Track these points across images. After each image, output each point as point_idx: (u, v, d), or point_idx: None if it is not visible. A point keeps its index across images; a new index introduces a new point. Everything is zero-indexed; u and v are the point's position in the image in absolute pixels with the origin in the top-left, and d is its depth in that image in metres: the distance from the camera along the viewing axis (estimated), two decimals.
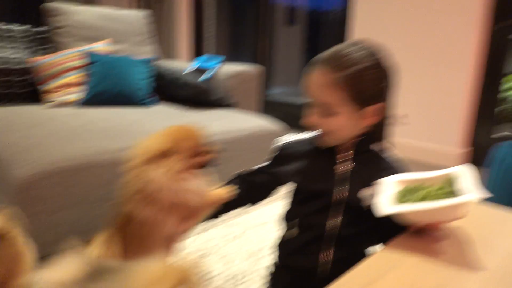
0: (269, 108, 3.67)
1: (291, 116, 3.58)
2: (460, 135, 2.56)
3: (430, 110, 2.63)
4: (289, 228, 0.87)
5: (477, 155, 2.60)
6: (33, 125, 1.42)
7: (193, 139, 0.86)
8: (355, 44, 0.77)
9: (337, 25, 3.26)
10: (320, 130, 0.79)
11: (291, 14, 5.89)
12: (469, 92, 2.51)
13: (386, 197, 0.70)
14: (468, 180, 0.67)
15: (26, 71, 1.86)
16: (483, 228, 0.74)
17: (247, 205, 0.93)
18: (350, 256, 0.80)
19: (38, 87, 1.83)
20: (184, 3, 4.20)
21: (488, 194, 0.61)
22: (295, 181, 0.85)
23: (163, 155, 0.81)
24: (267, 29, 3.90)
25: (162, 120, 1.59)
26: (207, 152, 0.87)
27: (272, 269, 0.91)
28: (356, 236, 0.81)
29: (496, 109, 2.56)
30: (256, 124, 1.76)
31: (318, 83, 0.75)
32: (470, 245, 0.66)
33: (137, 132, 1.41)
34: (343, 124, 0.76)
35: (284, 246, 0.88)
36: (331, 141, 0.80)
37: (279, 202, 1.77)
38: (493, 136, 2.57)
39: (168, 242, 0.79)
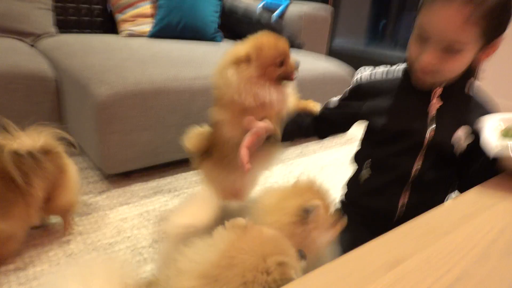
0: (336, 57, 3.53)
1: (353, 66, 3.44)
2: None
3: None
4: (361, 168, 0.83)
5: None
6: (112, 50, 1.47)
7: (277, 49, 0.88)
8: None
9: None
10: (428, 69, 0.69)
11: None
12: None
13: (491, 134, 0.65)
14: None
15: None
16: None
17: (313, 136, 0.91)
18: (427, 201, 0.77)
19: (116, 15, 1.88)
20: None
21: None
22: (376, 120, 0.77)
23: (246, 59, 0.86)
24: None
25: None
26: (288, 65, 0.89)
27: (338, 206, 0.90)
28: (437, 181, 0.76)
29: None
30: (324, 67, 1.71)
31: (450, 17, 0.62)
32: None
33: (211, 63, 1.42)
34: (464, 62, 0.67)
35: (357, 186, 0.85)
36: (431, 80, 0.71)
37: (341, 146, 1.76)
38: None
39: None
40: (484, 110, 0.74)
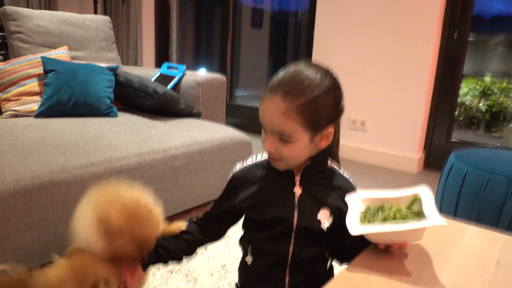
0: (234, 112, 3.69)
1: (256, 121, 3.62)
2: (418, 140, 2.68)
3: (389, 116, 2.74)
4: (244, 253, 0.88)
5: (435, 159, 2.75)
6: None
7: (148, 231, 0.74)
8: (309, 66, 0.75)
9: (303, 28, 3.31)
10: (273, 155, 0.77)
11: (258, 17, 5.92)
12: (427, 98, 2.64)
13: (353, 216, 0.73)
14: (428, 203, 0.71)
15: None
16: (438, 242, 0.79)
17: (209, 241, 0.90)
18: (310, 276, 0.83)
19: None
20: (147, 7, 4.13)
21: (444, 222, 0.66)
22: (250, 211, 0.83)
23: (115, 232, 0.69)
24: (233, 31, 3.91)
25: (129, 132, 1.57)
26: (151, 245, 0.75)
27: None
28: (314, 257, 0.82)
29: (456, 113, 2.71)
30: (222, 135, 1.77)
31: (273, 111, 0.71)
32: (428, 261, 0.71)
33: (104, 145, 1.38)
34: (299, 150, 0.75)
35: (245, 270, 0.88)
36: (284, 166, 0.79)
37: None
38: (452, 140, 2.71)
39: None
40: (343, 191, 0.82)
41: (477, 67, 3.25)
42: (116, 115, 1.89)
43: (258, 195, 0.81)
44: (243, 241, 0.90)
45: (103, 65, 2.06)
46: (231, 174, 0.87)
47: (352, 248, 0.77)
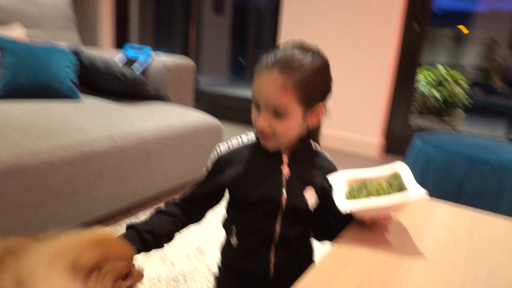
0: (199, 97, 3.64)
1: (220, 106, 3.61)
2: (379, 126, 2.80)
3: (352, 102, 2.84)
4: (228, 235, 0.88)
5: (394, 144, 2.88)
6: None
7: (123, 254, 0.66)
8: (301, 45, 0.78)
9: (265, 16, 3.30)
10: (265, 132, 0.77)
11: (220, 3, 5.83)
12: (387, 86, 2.75)
13: (340, 195, 0.76)
14: (408, 178, 0.75)
15: None
16: (413, 218, 0.84)
17: (191, 222, 0.89)
18: (294, 255, 0.86)
19: None
20: None
21: (426, 194, 0.70)
22: (236, 190, 0.83)
23: (82, 270, 0.58)
24: (197, 16, 3.83)
25: (95, 115, 1.51)
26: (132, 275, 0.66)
27: (218, 273, 0.92)
28: (298, 237, 0.85)
29: (413, 100, 2.84)
30: (194, 119, 1.75)
31: (269, 85, 0.74)
32: (408, 235, 0.76)
33: (72, 128, 1.32)
34: (292, 126, 0.77)
35: (229, 251, 0.88)
36: (275, 144, 0.80)
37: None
38: (410, 125, 2.85)
39: None
40: (326, 170, 0.85)
41: (428, 58, 3.42)
42: (78, 97, 1.80)
43: (245, 175, 0.82)
44: (226, 224, 0.89)
45: (62, 44, 1.95)
46: (215, 155, 0.86)
47: (333, 226, 0.81)
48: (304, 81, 0.74)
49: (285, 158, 0.83)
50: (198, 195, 0.88)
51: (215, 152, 0.87)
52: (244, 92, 5.14)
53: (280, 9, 3.02)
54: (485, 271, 0.66)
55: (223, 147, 0.87)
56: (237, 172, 0.82)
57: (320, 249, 0.89)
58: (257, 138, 0.85)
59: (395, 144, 2.86)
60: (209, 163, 0.87)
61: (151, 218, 0.82)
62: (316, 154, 0.88)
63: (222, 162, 0.85)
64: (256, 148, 0.84)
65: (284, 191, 0.81)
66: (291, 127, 0.78)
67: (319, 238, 0.91)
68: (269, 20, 3.34)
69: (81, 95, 1.83)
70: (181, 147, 1.65)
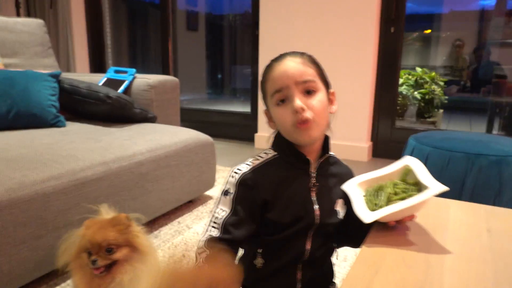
0: (183, 115, 3.60)
1: (204, 123, 3.58)
2: (366, 130, 2.83)
3: (338, 109, 2.85)
4: (251, 256, 0.81)
5: (382, 147, 2.91)
6: None
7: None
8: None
9: (241, 30, 3.31)
10: (304, 115, 0.73)
11: (193, 20, 5.84)
12: (371, 90, 2.79)
13: (360, 204, 0.74)
14: (422, 172, 0.75)
15: None
16: (430, 217, 0.83)
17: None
18: (320, 269, 0.83)
19: None
20: (77, 10, 3.88)
21: (446, 187, 0.69)
22: (266, 213, 0.76)
23: None
24: (172, 35, 3.81)
25: (85, 141, 1.45)
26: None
27: None
28: (326, 251, 0.82)
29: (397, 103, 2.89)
30: (185, 137, 1.72)
31: (292, 66, 0.76)
32: (430, 234, 0.75)
33: (63, 156, 1.27)
34: (323, 103, 0.77)
35: (252, 272, 0.82)
36: (317, 132, 0.76)
37: None
38: (396, 128, 2.89)
39: None
40: (348, 178, 0.82)
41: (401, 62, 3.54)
42: (64, 125, 1.75)
43: (274, 196, 0.75)
44: (249, 246, 0.83)
45: (42, 71, 1.89)
46: (237, 177, 0.77)
47: (357, 232, 0.78)
48: (314, 60, 0.80)
49: (313, 169, 0.79)
50: (235, 230, 0.74)
51: (233, 174, 0.77)
52: (226, 107, 5.11)
53: (258, 21, 3.04)
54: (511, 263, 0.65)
55: (242, 167, 0.78)
56: (266, 194, 0.75)
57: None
58: (280, 150, 0.80)
59: (383, 147, 2.89)
60: (229, 188, 0.77)
61: None
62: (335, 160, 0.86)
63: (249, 182, 0.75)
64: (280, 162, 0.79)
65: (316, 208, 0.78)
66: (323, 104, 0.77)
67: (339, 245, 0.89)
68: (243, 34, 3.36)
69: (67, 122, 1.77)
70: (175, 167, 1.61)
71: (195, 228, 1.62)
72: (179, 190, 1.65)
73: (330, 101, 0.81)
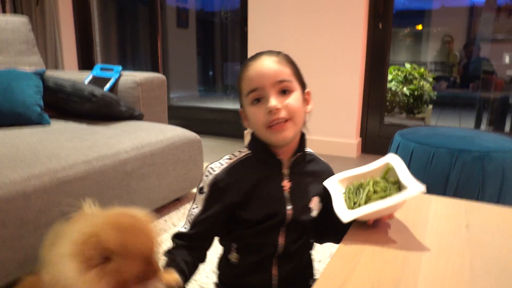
0: (172, 113, 3.58)
1: (194, 120, 3.56)
2: (355, 126, 2.83)
3: (327, 106, 2.86)
4: (226, 251, 0.83)
5: (371, 143, 2.92)
6: None
7: (149, 243, 0.60)
8: None
9: (232, 27, 3.30)
10: (279, 115, 0.74)
11: (183, 16, 5.80)
12: (360, 86, 2.79)
13: (339, 202, 0.74)
14: (402, 171, 0.75)
15: None
16: (411, 212, 0.83)
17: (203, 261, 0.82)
18: (297, 264, 0.83)
19: None
20: (64, 7, 3.83)
21: (424, 188, 0.69)
22: (238, 212, 0.77)
23: (100, 257, 0.55)
24: (161, 32, 3.78)
25: (70, 140, 1.43)
26: (156, 268, 0.60)
27: None
28: (301, 246, 0.82)
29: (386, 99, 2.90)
30: (172, 135, 1.70)
31: (268, 65, 0.76)
32: (409, 230, 0.75)
33: (45, 155, 1.25)
34: (299, 102, 0.77)
35: (228, 268, 0.84)
36: (292, 131, 0.76)
37: None
38: (384, 124, 2.90)
39: None
40: (326, 175, 0.83)
41: (391, 58, 3.56)
42: (48, 123, 1.72)
43: (247, 196, 0.76)
44: (224, 241, 0.85)
45: (27, 69, 1.86)
46: (210, 177, 0.78)
47: (337, 229, 0.78)
48: (290, 60, 0.80)
49: (285, 169, 0.80)
50: (201, 228, 0.78)
51: (207, 173, 0.79)
52: (217, 105, 5.09)
53: (247, 18, 3.02)
54: (489, 256, 0.66)
55: (215, 167, 0.79)
56: (238, 194, 0.77)
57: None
58: (254, 149, 0.80)
59: (372, 143, 2.90)
60: (203, 186, 0.79)
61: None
62: (312, 158, 0.86)
63: (221, 185, 0.77)
64: (252, 161, 0.80)
65: (288, 206, 0.78)
66: (299, 103, 0.77)
67: (321, 241, 0.89)
68: (235, 31, 3.34)
69: (51, 120, 1.75)
70: (161, 165, 1.60)
71: (181, 226, 1.62)
72: (166, 188, 1.64)
73: (306, 100, 0.82)
